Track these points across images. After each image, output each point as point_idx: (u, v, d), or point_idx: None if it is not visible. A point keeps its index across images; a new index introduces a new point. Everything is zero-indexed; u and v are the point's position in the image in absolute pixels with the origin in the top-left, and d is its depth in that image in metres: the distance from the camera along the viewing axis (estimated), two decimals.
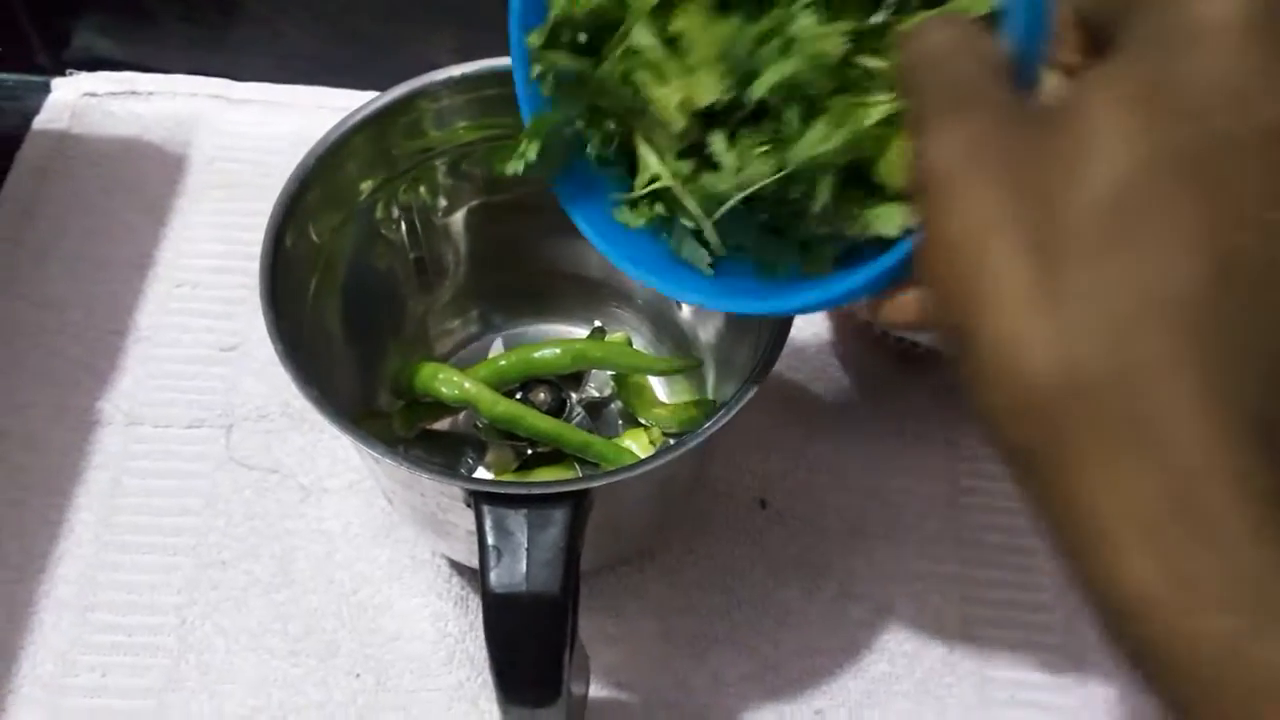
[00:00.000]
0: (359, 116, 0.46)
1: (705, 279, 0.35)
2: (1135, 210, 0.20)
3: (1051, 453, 0.21)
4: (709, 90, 0.31)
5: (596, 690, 0.49)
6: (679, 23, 0.31)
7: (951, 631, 0.51)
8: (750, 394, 0.39)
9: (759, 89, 0.30)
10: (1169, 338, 0.20)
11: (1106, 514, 0.20)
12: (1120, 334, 0.20)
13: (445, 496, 0.40)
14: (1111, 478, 0.20)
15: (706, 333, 0.53)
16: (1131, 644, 0.21)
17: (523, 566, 0.36)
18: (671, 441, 0.52)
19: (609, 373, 0.54)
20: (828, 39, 0.28)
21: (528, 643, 0.36)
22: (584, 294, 0.55)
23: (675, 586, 0.52)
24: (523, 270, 0.54)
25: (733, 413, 0.39)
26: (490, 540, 0.36)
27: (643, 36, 0.32)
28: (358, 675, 0.49)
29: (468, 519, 0.38)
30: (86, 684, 0.49)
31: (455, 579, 0.52)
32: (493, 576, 0.36)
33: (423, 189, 0.50)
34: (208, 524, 0.53)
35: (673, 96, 0.32)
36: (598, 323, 0.56)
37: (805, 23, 0.29)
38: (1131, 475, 0.20)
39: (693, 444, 0.39)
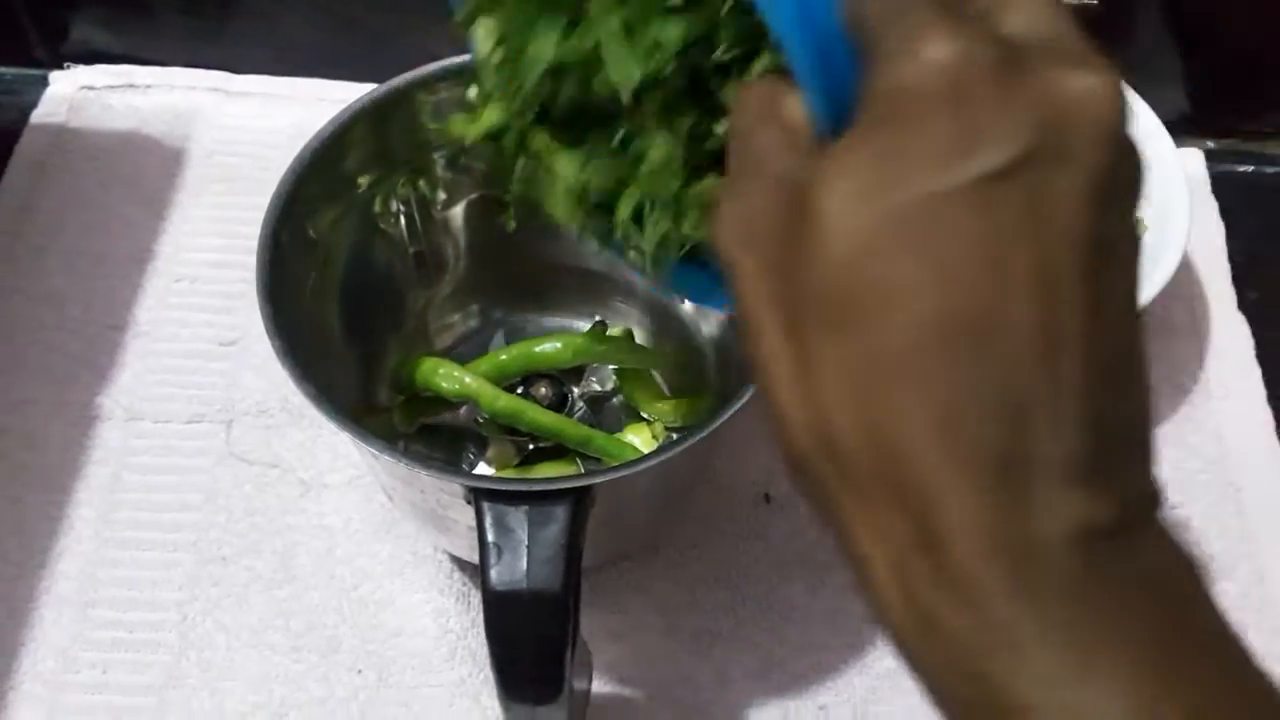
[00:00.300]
0: (355, 109, 0.45)
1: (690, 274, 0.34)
2: (860, 280, 0.21)
3: (825, 503, 0.23)
4: (568, 216, 0.32)
5: (599, 686, 0.49)
6: (535, 143, 0.31)
7: None
8: (753, 388, 0.39)
9: (621, 214, 0.31)
10: (900, 395, 0.21)
11: (867, 555, 0.22)
12: (859, 398, 0.22)
13: (445, 493, 0.40)
14: (869, 525, 0.22)
15: (709, 326, 0.52)
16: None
17: (523, 564, 0.35)
18: (674, 436, 0.51)
19: (611, 367, 0.54)
20: (667, 173, 0.29)
21: (529, 640, 0.36)
22: (585, 288, 0.55)
23: (679, 582, 0.52)
24: (524, 264, 0.54)
25: (736, 407, 0.39)
26: (490, 537, 0.36)
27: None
28: (359, 671, 0.49)
29: (468, 515, 0.38)
30: (87, 680, 0.48)
31: (457, 574, 0.51)
32: (493, 574, 0.35)
33: (422, 182, 0.50)
34: (208, 520, 0.52)
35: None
36: (599, 316, 0.56)
37: (653, 156, 0.29)
38: (885, 523, 0.22)
39: (695, 439, 0.38)
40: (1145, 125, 0.58)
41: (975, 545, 0.21)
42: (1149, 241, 0.56)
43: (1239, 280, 0.63)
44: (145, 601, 0.50)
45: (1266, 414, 0.58)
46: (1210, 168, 0.67)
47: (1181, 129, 0.62)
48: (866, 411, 0.21)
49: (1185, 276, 0.62)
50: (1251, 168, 0.68)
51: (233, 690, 0.48)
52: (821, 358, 0.22)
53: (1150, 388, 0.22)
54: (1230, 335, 0.61)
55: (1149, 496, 0.22)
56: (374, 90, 0.45)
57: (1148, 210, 0.57)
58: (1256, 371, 0.60)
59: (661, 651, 0.50)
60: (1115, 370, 0.22)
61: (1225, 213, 0.65)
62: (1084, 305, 0.21)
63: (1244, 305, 0.62)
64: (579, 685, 0.42)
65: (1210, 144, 0.68)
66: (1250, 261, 0.64)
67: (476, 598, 0.51)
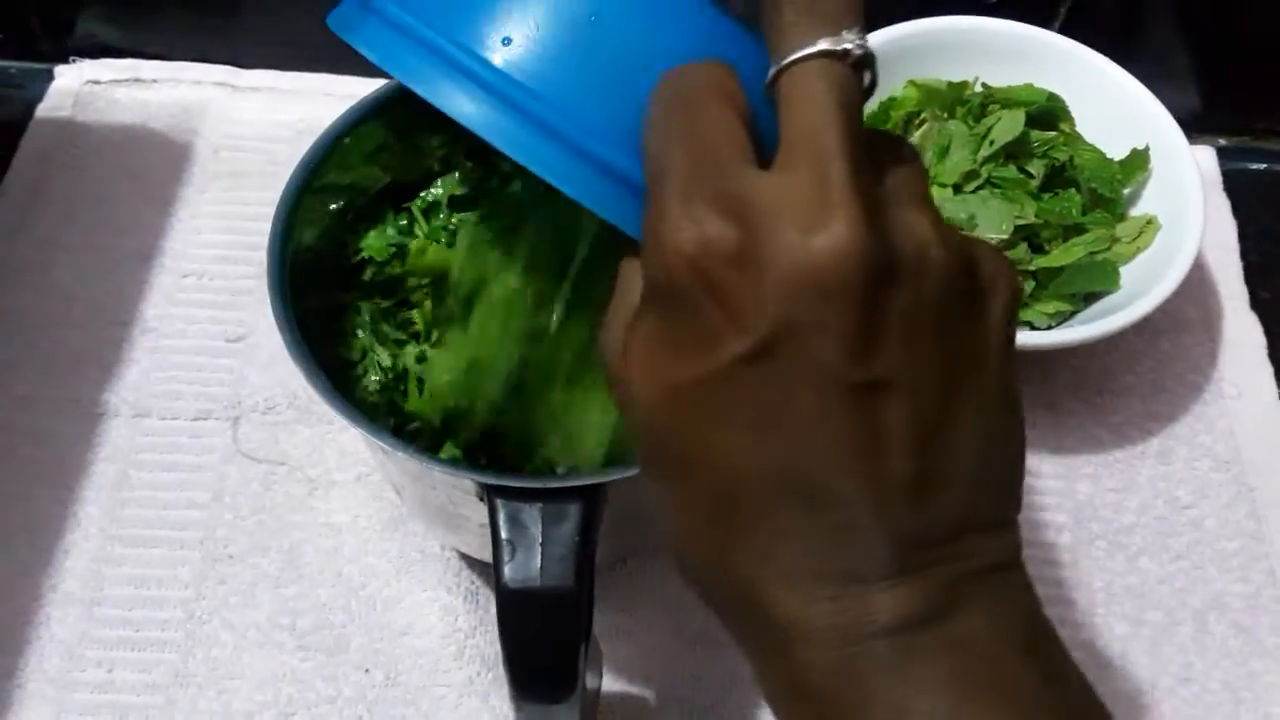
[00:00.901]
0: (365, 105, 0.45)
1: None
2: (672, 446, 0.26)
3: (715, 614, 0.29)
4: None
5: (609, 685, 0.49)
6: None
7: None
8: None
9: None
10: (731, 537, 0.26)
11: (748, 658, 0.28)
12: (701, 540, 0.27)
13: (457, 490, 0.39)
14: (738, 636, 0.29)
15: None
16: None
17: (537, 561, 0.35)
18: None
19: None
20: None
21: (542, 638, 0.36)
22: None
23: None
24: None
25: None
26: (504, 535, 0.35)
27: None
28: (367, 671, 0.49)
29: (480, 512, 0.37)
30: (94, 679, 0.48)
31: (465, 572, 0.51)
32: (507, 571, 0.35)
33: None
34: (215, 517, 0.52)
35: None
36: None
37: None
38: (749, 638, 0.28)
39: None
40: (1158, 122, 0.57)
41: (812, 651, 0.25)
42: (1162, 240, 0.55)
43: (1251, 279, 0.62)
44: (152, 600, 0.50)
45: (1279, 413, 0.58)
46: (1222, 165, 0.67)
47: (1194, 126, 0.62)
48: (710, 553, 0.26)
49: (1197, 275, 0.61)
50: (1265, 165, 0.68)
51: (239, 689, 0.48)
52: (671, 504, 0.27)
53: (965, 476, 0.26)
54: (1243, 334, 0.60)
55: (975, 570, 0.25)
56: (382, 87, 0.45)
57: (1161, 208, 0.56)
58: (1269, 370, 0.59)
59: (671, 651, 0.50)
60: (915, 480, 0.25)
61: (1237, 211, 0.65)
62: (862, 438, 0.24)
63: (1256, 304, 0.62)
64: (590, 683, 0.41)
65: (1223, 141, 0.68)
66: (1263, 260, 0.63)
67: (485, 596, 0.50)
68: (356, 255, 0.47)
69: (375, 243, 0.47)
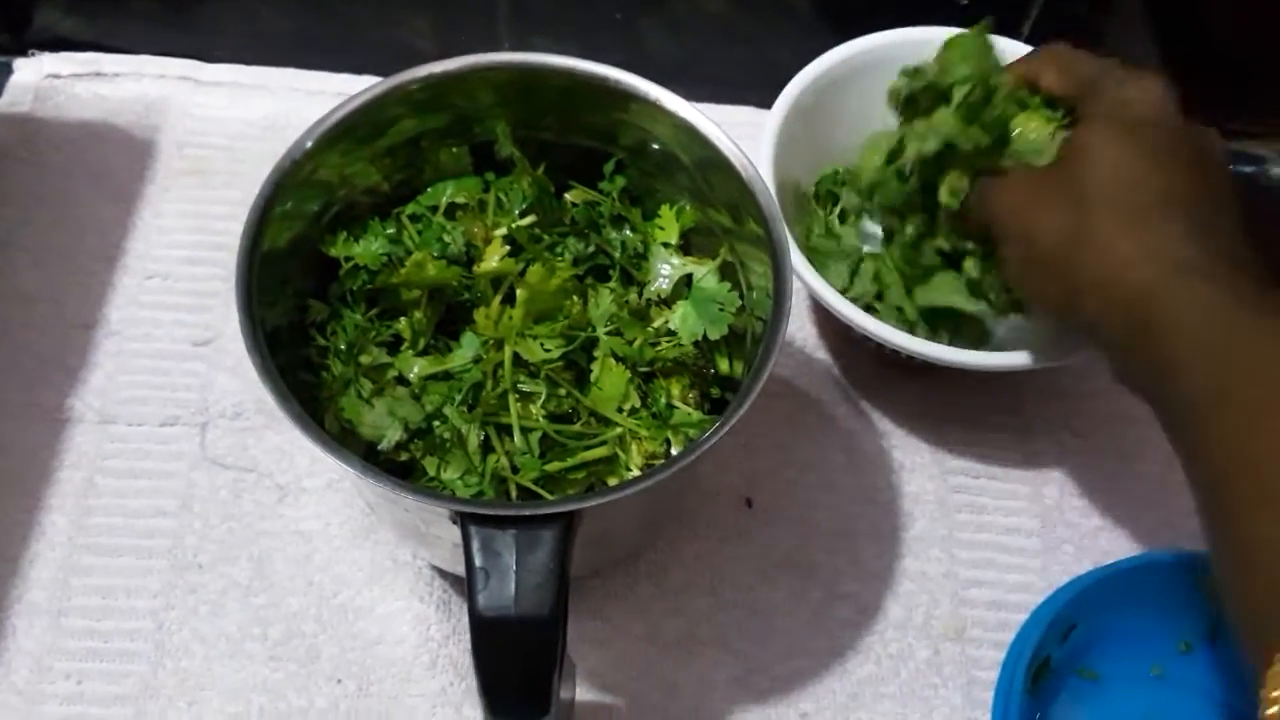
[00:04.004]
0: (332, 120, 0.44)
1: None
2: (1122, 177, 0.43)
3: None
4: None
5: (583, 694, 0.49)
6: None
7: (938, 633, 0.51)
8: (745, 406, 0.39)
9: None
10: (1158, 223, 0.42)
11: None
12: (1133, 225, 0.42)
13: (430, 513, 0.39)
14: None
15: None
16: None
17: (511, 589, 0.35)
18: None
19: None
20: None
21: (516, 665, 0.36)
22: None
23: (661, 588, 0.52)
24: None
25: (731, 423, 0.38)
26: (478, 562, 0.35)
27: None
28: (339, 681, 0.49)
29: (453, 533, 0.37)
30: (62, 691, 0.48)
31: (438, 582, 0.51)
32: (480, 599, 0.35)
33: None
34: (184, 525, 0.52)
35: None
36: None
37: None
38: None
39: (689, 459, 0.38)
40: None
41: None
42: None
43: None
44: (120, 610, 0.50)
45: None
46: None
47: None
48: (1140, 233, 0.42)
49: None
50: (1230, 167, 0.68)
51: (210, 701, 0.48)
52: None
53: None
54: None
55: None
56: (349, 100, 0.44)
57: None
58: None
59: (643, 658, 0.50)
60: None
61: None
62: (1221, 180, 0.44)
63: None
64: (563, 694, 0.41)
65: None
66: None
67: (458, 605, 0.50)
68: (348, 263, 0.46)
69: (366, 251, 0.46)
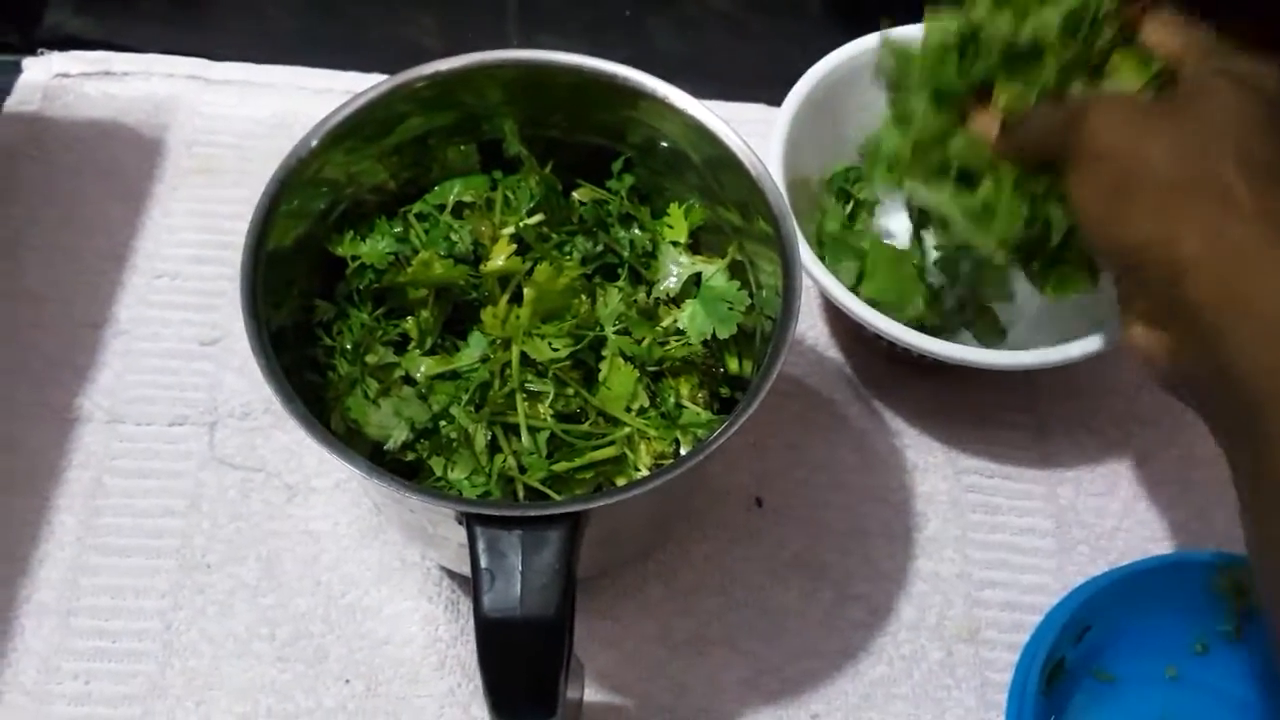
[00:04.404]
0: (338, 118, 0.44)
1: None
2: (1254, 131, 0.38)
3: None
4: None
5: (591, 694, 0.48)
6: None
7: (951, 634, 0.51)
8: (755, 405, 0.38)
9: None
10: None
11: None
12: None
13: (436, 513, 0.39)
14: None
15: None
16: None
17: (517, 590, 0.35)
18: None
19: None
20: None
21: (522, 666, 0.36)
22: None
23: (671, 588, 0.51)
24: None
25: (741, 422, 0.38)
26: (484, 563, 0.35)
27: None
28: (347, 681, 0.48)
29: (459, 534, 0.37)
30: (70, 691, 0.48)
31: (446, 582, 0.51)
32: (486, 600, 0.35)
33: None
34: (192, 525, 0.52)
35: None
36: None
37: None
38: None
39: (697, 459, 0.38)
40: None
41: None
42: None
43: None
44: (128, 610, 0.49)
45: None
46: None
47: None
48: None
49: None
50: None
51: (218, 701, 0.48)
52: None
53: None
54: None
55: None
56: (354, 98, 0.44)
57: None
58: None
59: (653, 658, 0.50)
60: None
61: None
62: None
63: None
64: (571, 694, 0.41)
65: None
66: None
67: (466, 606, 0.50)
68: (355, 262, 0.46)
69: (372, 250, 0.46)
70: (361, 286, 0.46)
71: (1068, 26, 0.43)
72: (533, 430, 0.43)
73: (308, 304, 0.46)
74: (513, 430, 0.43)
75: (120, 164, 0.62)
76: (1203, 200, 0.37)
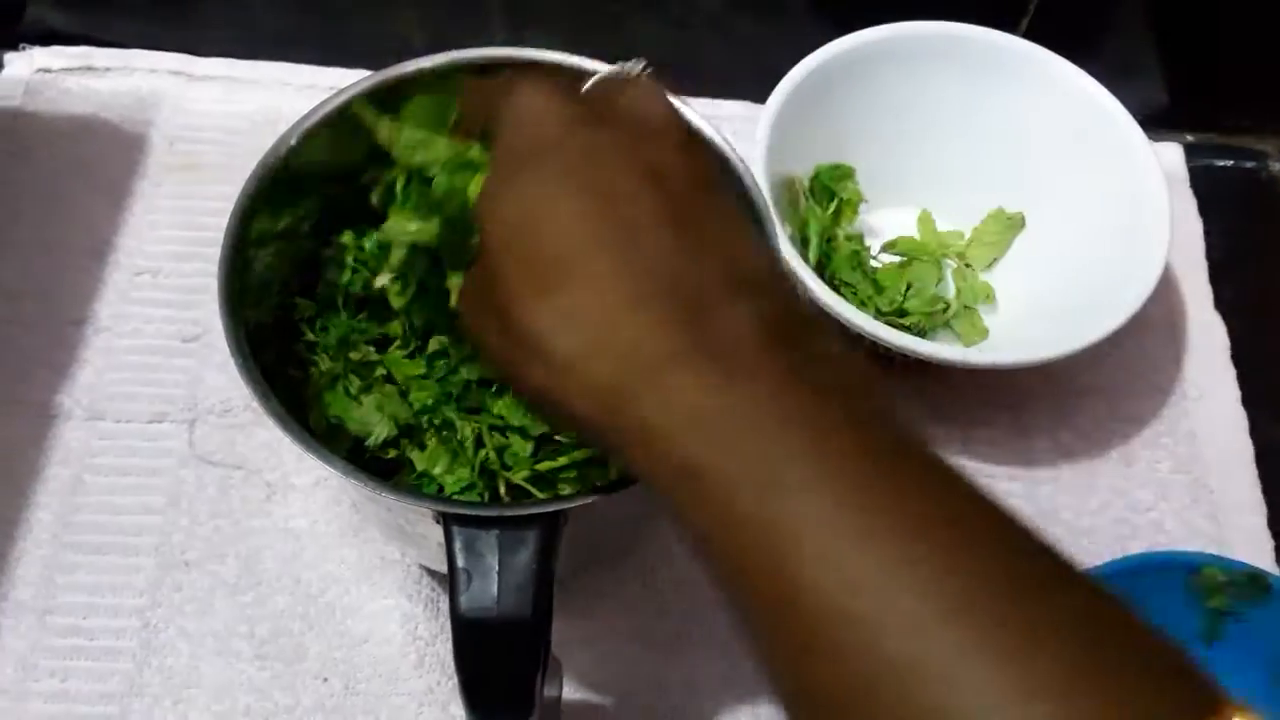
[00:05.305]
0: (318, 115, 0.43)
1: None
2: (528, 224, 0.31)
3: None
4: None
5: (570, 693, 0.48)
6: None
7: None
8: None
9: None
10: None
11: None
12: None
13: (413, 512, 0.39)
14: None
15: None
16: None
17: (494, 590, 0.35)
18: None
19: None
20: None
21: (499, 667, 0.35)
22: None
23: (649, 586, 0.51)
24: None
25: None
26: (460, 563, 0.35)
27: None
28: (325, 680, 0.48)
29: (437, 532, 0.37)
30: (47, 689, 0.47)
31: (425, 580, 0.51)
32: (462, 600, 0.35)
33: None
34: (171, 523, 0.51)
35: None
36: None
37: None
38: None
39: None
40: (1123, 130, 0.56)
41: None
42: (1126, 245, 0.55)
43: (1216, 278, 0.62)
44: (106, 608, 0.49)
45: (1241, 416, 0.58)
46: (1189, 162, 0.66)
47: (1161, 123, 0.62)
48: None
49: (1162, 275, 0.61)
50: (1231, 162, 0.67)
51: (196, 699, 0.48)
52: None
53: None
54: (1206, 335, 0.61)
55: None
56: (335, 94, 0.43)
57: (1121, 215, 0.56)
58: (1231, 373, 0.59)
59: (631, 657, 0.50)
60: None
61: (1204, 208, 0.65)
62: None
63: (1220, 304, 0.62)
64: (549, 693, 0.41)
65: (1189, 138, 0.67)
66: (1226, 259, 0.63)
67: (445, 605, 0.50)
68: (339, 264, 0.46)
69: (354, 248, 0.46)
70: (342, 283, 0.46)
71: (417, 208, 0.37)
72: (516, 429, 0.43)
73: (289, 301, 0.46)
74: (496, 428, 0.43)
75: (102, 160, 0.61)
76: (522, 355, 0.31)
